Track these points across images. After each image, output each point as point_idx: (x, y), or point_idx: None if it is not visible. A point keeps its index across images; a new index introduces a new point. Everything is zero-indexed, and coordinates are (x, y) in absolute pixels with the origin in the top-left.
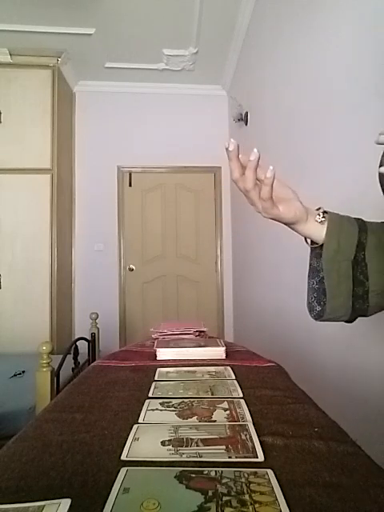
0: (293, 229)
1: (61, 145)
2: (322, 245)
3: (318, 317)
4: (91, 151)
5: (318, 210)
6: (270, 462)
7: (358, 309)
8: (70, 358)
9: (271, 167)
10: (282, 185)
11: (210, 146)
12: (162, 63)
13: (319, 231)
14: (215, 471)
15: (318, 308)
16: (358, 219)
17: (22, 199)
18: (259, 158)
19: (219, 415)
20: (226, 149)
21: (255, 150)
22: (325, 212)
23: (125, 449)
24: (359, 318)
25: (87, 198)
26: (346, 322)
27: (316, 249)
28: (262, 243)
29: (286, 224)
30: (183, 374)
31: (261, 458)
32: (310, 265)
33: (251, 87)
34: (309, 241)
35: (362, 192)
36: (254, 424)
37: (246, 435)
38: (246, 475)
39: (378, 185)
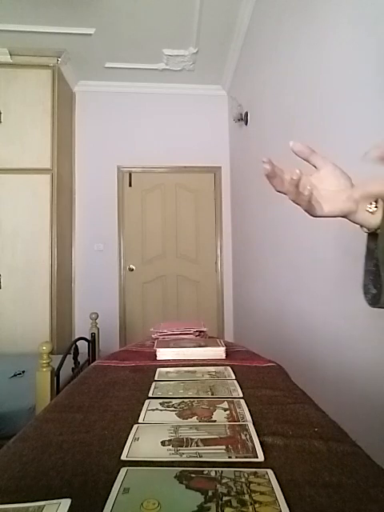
0: (346, 218)
1: (61, 145)
2: (375, 231)
3: (374, 301)
4: (91, 151)
5: (371, 201)
6: (270, 462)
7: None
8: (70, 357)
9: (297, 171)
10: (324, 178)
11: (209, 146)
12: (162, 63)
13: (370, 220)
14: (215, 471)
15: (374, 291)
16: None
17: (21, 199)
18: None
19: (219, 415)
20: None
21: (297, 170)
22: (376, 201)
23: (125, 449)
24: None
25: (87, 198)
26: None
27: (371, 232)
28: (262, 243)
29: (337, 217)
30: (183, 374)
31: (261, 457)
32: (367, 246)
33: (251, 87)
34: (364, 228)
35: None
36: (254, 424)
37: (245, 435)
38: (246, 475)
39: None
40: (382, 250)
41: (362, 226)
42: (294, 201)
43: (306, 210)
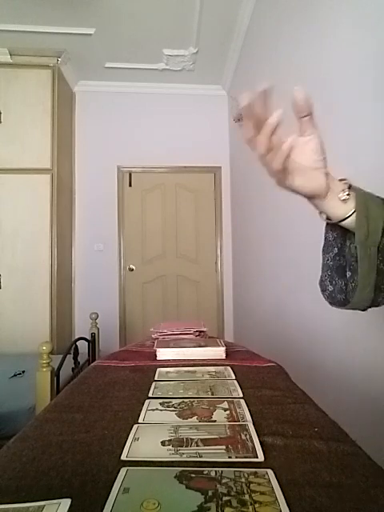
0: (311, 203)
1: (61, 145)
2: (338, 222)
3: (332, 300)
4: (91, 151)
5: (342, 180)
6: (270, 462)
7: (375, 300)
8: (70, 357)
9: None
10: (307, 151)
11: (209, 146)
12: (162, 63)
13: (338, 209)
14: (215, 471)
15: (330, 288)
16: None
17: (22, 199)
18: (278, 123)
19: (219, 415)
20: (236, 110)
21: (278, 111)
22: (349, 188)
23: (125, 449)
24: (360, 317)
25: (87, 198)
26: (362, 310)
27: (331, 222)
28: (261, 243)
29: (303, 196)
30: (183, 374)
31: (261, 457)
32: (326, 238)
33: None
34: (324, 216)
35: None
36: (254, 424)
37: (245, 435)
38: (246, 475)
39: (378, 185)
40: (359, 243)
41: (324, 213)
42: (262, 160)
43: (274, 177)
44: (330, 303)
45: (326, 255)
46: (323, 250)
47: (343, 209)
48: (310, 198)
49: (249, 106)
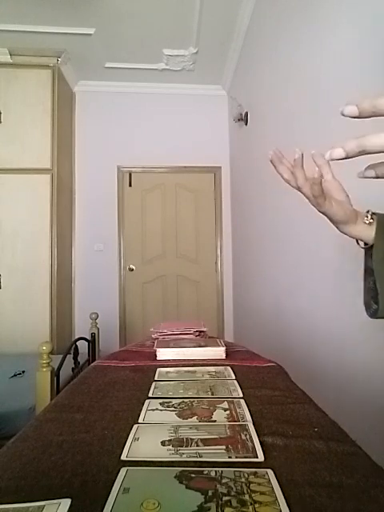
0: (342, 230)
1: (61, 145)
2: (372, 246)
3: (375, 315)
4: (91, 151)
5: (367, 212)
6: (270, 462)
7: None
8: (70, 357)
9: (318, 163)
10: (336, 187)
11: (210, 146)
12: (162, 63)
13: (368, 232)
14: (215, 471)
15: (375, 306)
16: None
17: (22, 199)
18: (303, 156)
19: (219, 415)
20: (271, 161)
21: (297, 149)
22: (373, 213)
23: (125, 449)
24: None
25: (87, 198)
26: None
27: (369, 250)
28: (261, 243)
29: (335, 223)
30: (183, 374)
31: (261, 457)
32: (365, 264)
33: (251, 87)
34: (361, 243)
35: (362, 192)
36: (254, 424)
37: (245, 435)
38: (246, 475)
39: (378, 185)
40: (377, 261)
41: (358, 239)
42: (301, 188)
43: (315, 202)
44: (371, 317)
45: (366, 280)
46: (365, 275)
47: (370, 231)
48: (344, 223)
49: (276, 155)
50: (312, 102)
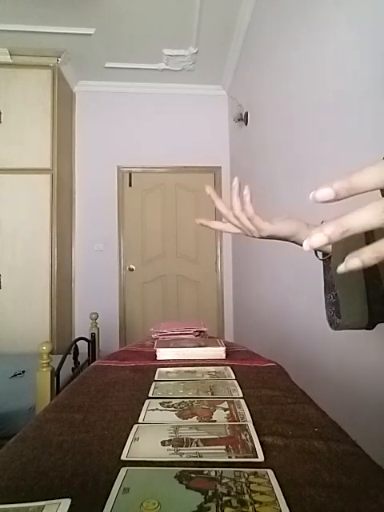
0: (295, 242)
1: (61, 145)
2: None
3: (338, 328)
4: (91, 151)
5: (322, 223)
6: (270, 461)
7: (376, 313)
8: (70, 357)
9: (246, 187)
10: (282, 220)
11: (210, 146)
12: (162, 63)
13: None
14: (215, 471)
15: (338, 320)
16: None
17: (22, 199)
18: (240, 185)
19: (219, 415)
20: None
21: (236, 178)
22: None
23: (125, 449)
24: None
25: (87, 198)
26: (367, 328)
27: (327, 262)
28: (261, 243)
29: (286, 239)
30: (183, 374)
31: (261, 457)
32: (325, 280)
33: (251, 87)
34: (320, 255)
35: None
36: (254, 424)
37: (245, 435)
38: (246, 475)
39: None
40: (335, 269)
41: (316, 251)
42: (239, 218)
43: (255, 227)
44: (335, 329)
45: (327, 294)
46: (325, 290)
47: None
48: (294, 235)
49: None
50: (312, 101)
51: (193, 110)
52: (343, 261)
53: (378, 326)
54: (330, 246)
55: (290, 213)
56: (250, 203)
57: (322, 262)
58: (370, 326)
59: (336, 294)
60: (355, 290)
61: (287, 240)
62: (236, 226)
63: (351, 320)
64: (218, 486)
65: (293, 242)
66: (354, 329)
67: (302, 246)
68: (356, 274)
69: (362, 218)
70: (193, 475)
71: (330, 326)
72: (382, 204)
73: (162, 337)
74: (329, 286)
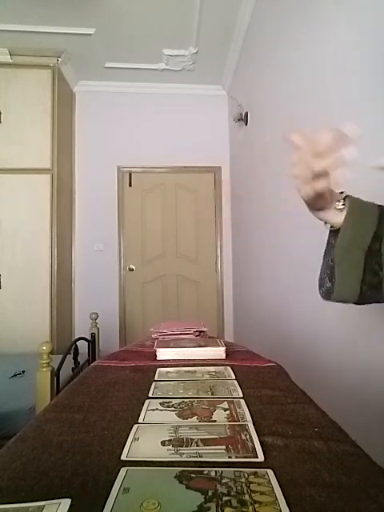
0: (315, 214)
1: (61, 145)
2: (338, 229)
3: (326, 294)
4: (91, 151)
5: (341, 193)
6: (270, 462)
7: (370, 296)
8: (70, 357)
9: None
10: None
11: (210, 146)
12: (162, 63)
13: (337, 218)
14: (215, 471)
15: (329, 284)
16: (382, 207)
17: (22, 199)
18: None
19: (219, 415)
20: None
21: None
22: (345, 198)
23: (125, 449)
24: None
25: (87, 198)
26: (355, 303)
27: (333, 229)
28: (261, 243)
29: (311, 206)
30: (183, 374)
31: (261, 457)
32: (328, 242)
33: (251, 87)
34: (328, 224)
35: (361, 191)
36: (254, 424)
37: (245, 435)
38: (246, 475)
39: (378, 185)
40: (339, 248)
41: (326, 222)
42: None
43: (304, 187)
44: (323, 297)
45: (326, 257)
46: (325, 252)
47: (340, 217)
48: (318, 209)
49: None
50: (312, 101)
51: (193, 109)
52: (349, 241)
53: (379, 329)
54: (341, 220)
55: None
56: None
57: (329, 230)
58: (358, 303)
59: (333, 259)
60: (353, 272)
61: (310, 207)
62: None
63: (341, 295)
64: (218, 486)
65: (312, 212)
66: (342, 303)
67: (318, 218)
68: (358, 256)
69: None
70: (193, 475)
71: (320, 288)
72: None
73: (162, 337)
74: (329, 249)
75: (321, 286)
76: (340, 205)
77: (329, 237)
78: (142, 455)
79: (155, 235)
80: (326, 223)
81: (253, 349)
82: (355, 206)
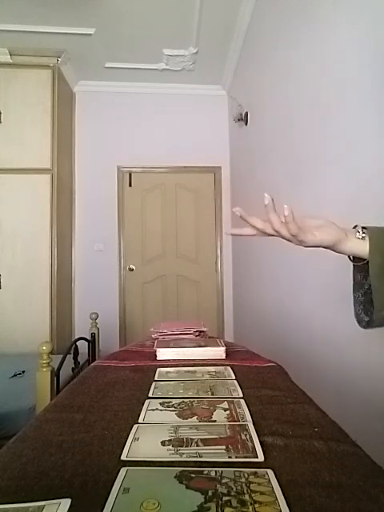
0: (335, 250)
1: (61, 145)
2: (366, 261)
3: (368, 326)
4: (91, 151)
5: (354, 227)
6: (270, 462)
7: None
8: (70, 357)
9: (285, 206)
10: (308, 218)
11: (210, 146)
12: (162, 63)
13: (362, 247)
14: (215, 471)
15: (367, 318)
16: None
17: (22, 199)
18: (273, 200)
19: (219, 415)
20: (240, 217)
21: (266, 194)
22: (364, 228)
23: (125, 449)
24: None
25: (87, 198)
26: None
27: (358, 264)
28: (261, 243)
29: (327, 248)
30: (183, 374)
31: (261, 457)
32: (354, 279)
33: (251, 87)
34: (352, 257)
35: (361, 191)
36: (254, 424)
37: (245, 435)
38: (246, 475)
39: (378, 183)
40: (374, 276)
41: (349, 255)
42: (279, 231)
43: (296, 241)
44: (364, 328)
45: (356, 293)
46: (354, 289)
47: (364, 245)
48: (335, 244)
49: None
50: (312, 101)
51: (193, 109)
52: (379, 268)
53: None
54: (366, 251)
55: (324, 217)
56: (294, 221)
57: (352, 263)
58: None
59: (364, 293)
60: None
61: (328, 248)
62: (270, 234)
63: (381, 321)
64: (218, 486)
65: (333, 250)
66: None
67: (342, 254)
68: None
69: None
70: (193, 475)
71: (359, 323)
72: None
73: (162, 337)
74: (358, 285)
75: (359, 322)
76: (360, 234)
77: (354, 273)
78: (141, 455)
79: (155, 235)
80: (349, 257)
81: (253, 349)
82: (376, 231)
